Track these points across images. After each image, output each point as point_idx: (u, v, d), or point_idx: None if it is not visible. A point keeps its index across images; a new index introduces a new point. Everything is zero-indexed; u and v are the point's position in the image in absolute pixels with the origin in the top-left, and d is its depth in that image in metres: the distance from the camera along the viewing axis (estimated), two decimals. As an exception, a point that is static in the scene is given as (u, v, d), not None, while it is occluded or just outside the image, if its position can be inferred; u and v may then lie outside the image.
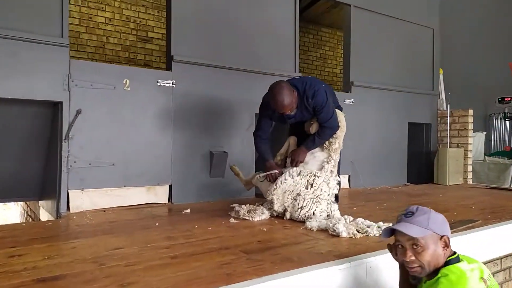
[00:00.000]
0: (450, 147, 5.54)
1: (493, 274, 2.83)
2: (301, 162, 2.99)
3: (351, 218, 2.67)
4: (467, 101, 6.71)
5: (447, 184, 5.34)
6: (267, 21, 4.22)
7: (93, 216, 2.95)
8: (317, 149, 3.08)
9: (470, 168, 5.67)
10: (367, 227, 2.47)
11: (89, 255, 1.93)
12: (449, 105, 5.55)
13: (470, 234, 2.48)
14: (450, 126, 5.62)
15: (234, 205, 3.11)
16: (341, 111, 3.24)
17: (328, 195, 2.82)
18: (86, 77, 3.11)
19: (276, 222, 2.81)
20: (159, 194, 3.50)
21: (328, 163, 2.99)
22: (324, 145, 3.05)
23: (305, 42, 8.39)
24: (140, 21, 6.30)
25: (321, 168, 2.98)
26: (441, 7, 5.95)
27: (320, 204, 2.76)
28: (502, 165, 7.10)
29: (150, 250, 2.04)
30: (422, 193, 4.56)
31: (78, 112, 3.05)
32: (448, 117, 5.54)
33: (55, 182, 3.01)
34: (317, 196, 2.78)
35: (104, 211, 3.15)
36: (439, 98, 5.96)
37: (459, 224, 2.70)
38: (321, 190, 2.80)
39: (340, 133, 3.08)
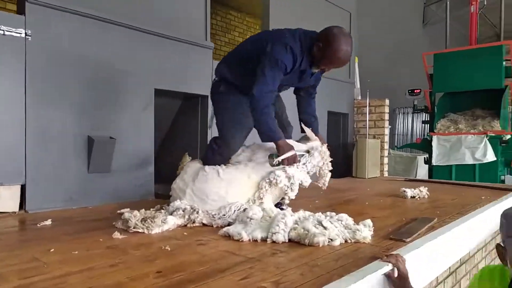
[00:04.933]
0: (368, 138, 5.25)
1: (443, 280, 2.39)
2: None
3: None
4: (375, 93, 6.61)
5: (366, 177, 5.02)
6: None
7: None
8: None
9: (386, 160, 5.46)
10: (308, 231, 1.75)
11: None
12: (368, 93, 5.24)
13: (438, 238, 1.92)
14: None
15: (123, 210, 2.21)
16: None
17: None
18: None
19: (185, 233, 1.93)
20: (5, 199, 2.33)
21: None
22: None
23: (212, 25, 7.56)
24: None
25: None
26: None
27: None
28: (408, 158, 7.23)
29: None
30: (347, 187, 4.07)
31: None
32: (368, 107, 5.22)
33: None
34: None
35: None
36: (355, 87, 5.67)
37: (418, 224, 2.16)
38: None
39: None
